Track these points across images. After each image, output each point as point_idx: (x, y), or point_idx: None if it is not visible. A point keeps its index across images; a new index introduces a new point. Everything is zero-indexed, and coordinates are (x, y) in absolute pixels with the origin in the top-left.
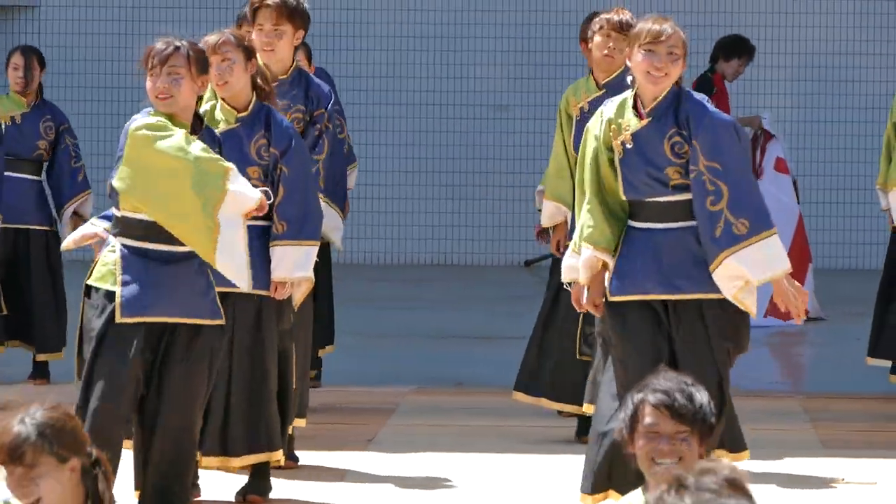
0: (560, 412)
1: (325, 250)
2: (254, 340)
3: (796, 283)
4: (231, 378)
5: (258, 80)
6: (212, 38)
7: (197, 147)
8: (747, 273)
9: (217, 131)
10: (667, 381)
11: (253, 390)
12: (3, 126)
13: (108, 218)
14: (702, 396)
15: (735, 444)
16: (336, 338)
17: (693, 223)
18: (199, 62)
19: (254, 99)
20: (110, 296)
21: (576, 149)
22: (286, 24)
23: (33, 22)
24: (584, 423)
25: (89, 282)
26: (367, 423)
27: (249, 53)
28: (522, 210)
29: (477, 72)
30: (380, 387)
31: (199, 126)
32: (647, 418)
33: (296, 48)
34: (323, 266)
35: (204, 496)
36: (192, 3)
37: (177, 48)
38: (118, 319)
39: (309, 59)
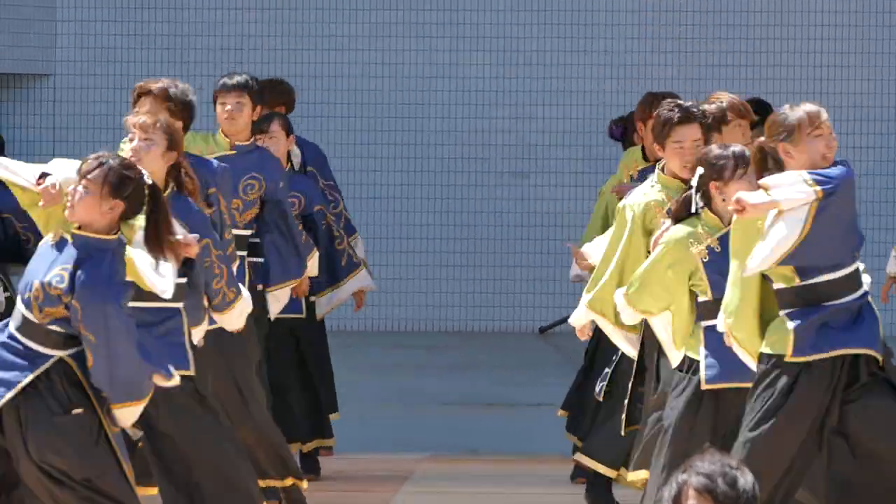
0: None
1: (321, 323)
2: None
3: None
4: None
5: (183, 175)
6: (142, 118)
7: None
8: None
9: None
10: (711, 463)
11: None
12: None
13: None
14: (746, 481)
15: None
16: (350, 405)
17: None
18: (113, 186)
19: (172, 187)
20: None
21: None
22: (245, 98)
23: (47, 90)
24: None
25: None
26: (381, 490)
27: (172, 143)
28: (537, 277)
29: (495, 139)
30: (394, 454)
31: None
32: (690, 501)
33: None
34: (318, 334)
35: None
36: (203, 70)
37: (100, 165)
38: None
39: (287, 131)
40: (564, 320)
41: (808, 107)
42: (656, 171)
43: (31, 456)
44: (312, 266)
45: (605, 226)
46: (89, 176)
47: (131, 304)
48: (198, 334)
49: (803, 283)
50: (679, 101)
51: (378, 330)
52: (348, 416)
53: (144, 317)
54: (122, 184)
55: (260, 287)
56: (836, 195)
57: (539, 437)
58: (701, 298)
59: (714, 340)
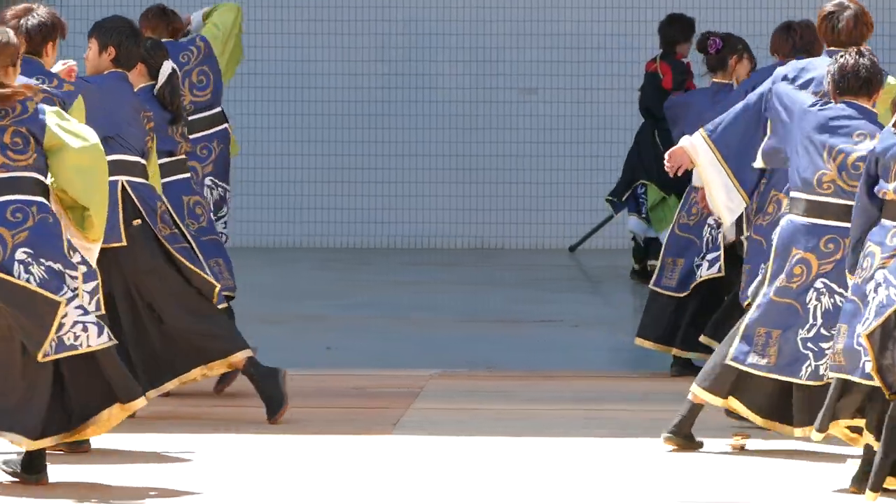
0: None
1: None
2: None
3: None
4: None
5: None
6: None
7: None
8: None
9: None
10: None
11: None
12: None
13: None
14: None
15: None
16: (367, 321)
17: None
18: None
19: None
20: None
21: None
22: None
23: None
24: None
25: None
26: (392, 406)
27: None
28: (558, 193)
29: (505, 55)
30: (405, 370)
31: None
32: None
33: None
34: None
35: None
36: None
37: None
38: None
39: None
40: (592, 233)
41: None
42: None
43: None
44: None
45: None
46: None
47: None
48: None
49: None
50: None
51: (395, 247)
52: (364, 331)
53: None
54: None
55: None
56: None
57: (546, 354)
58: None
59: None
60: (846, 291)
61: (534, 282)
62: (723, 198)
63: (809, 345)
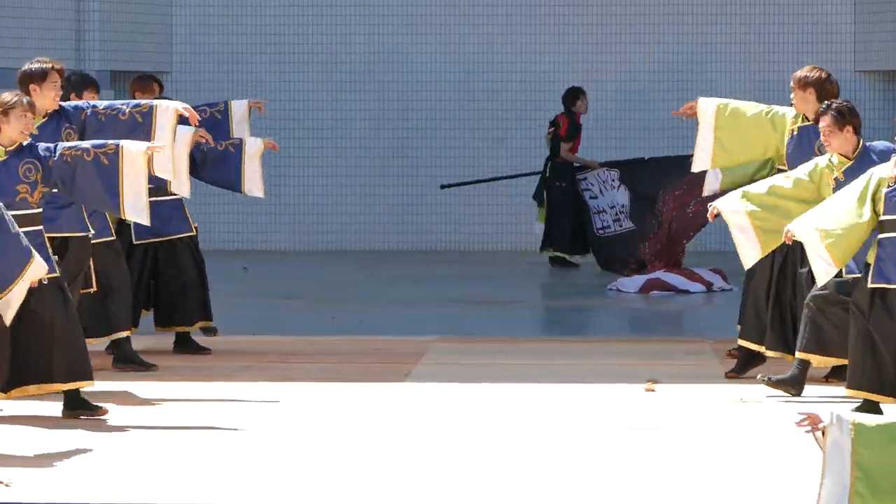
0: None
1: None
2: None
3: None
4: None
5: None
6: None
7: None
8: None
9: None
10: None
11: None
12: None
13: None
14: None
15: None
16: (383, 304)
17: None
18: None
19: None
20: None
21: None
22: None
23: (167, 84)
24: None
25: None
26: (406, 362)
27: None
28: (521, 212)
29: (483, 115)
30: (413, 336)
31: None
32: None
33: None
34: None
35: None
36: (303, 59)
37: None
38: None
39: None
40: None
41: None
42: None
43: None
44: None
45: None
46: None
47: None
48: None
49: None
50: None
51: (400, 250)
52: (384, 309)
53: None
54: None
55: None
56: None
57: (516, 325)
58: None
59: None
60: None
61: (502, 274)
62: None
63: None
